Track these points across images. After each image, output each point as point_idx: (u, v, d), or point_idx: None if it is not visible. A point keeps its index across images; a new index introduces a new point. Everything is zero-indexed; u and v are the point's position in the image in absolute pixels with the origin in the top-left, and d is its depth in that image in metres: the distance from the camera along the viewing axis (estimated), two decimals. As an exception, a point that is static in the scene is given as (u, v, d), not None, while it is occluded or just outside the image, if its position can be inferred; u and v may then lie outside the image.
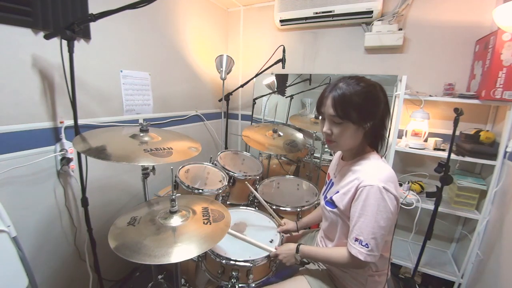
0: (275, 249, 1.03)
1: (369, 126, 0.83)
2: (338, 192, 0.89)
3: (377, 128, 0.86)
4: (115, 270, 1.63)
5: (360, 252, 0.77)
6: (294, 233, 1.26)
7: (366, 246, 0.77)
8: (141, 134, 1.04)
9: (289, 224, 1.24)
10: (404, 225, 1.95)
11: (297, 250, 0.97)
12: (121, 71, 1.54)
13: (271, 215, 1.31)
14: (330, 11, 1.89)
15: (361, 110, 0.80)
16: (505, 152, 1.39)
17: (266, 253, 1.02)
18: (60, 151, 1.25)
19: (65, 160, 1.25)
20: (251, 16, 2.43)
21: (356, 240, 0.78)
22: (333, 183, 0.98)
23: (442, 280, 1.68)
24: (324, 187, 1.05)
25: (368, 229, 0.76)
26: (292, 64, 2.22)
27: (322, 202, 1.00)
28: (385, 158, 1.76)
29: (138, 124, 1.17)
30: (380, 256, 0.80)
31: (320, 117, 0.90)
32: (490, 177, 1.48)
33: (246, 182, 1.45)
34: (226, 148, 2.39)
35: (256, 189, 1.58)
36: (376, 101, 0.82)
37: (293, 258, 0.98)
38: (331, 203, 0.91)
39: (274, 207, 1.43)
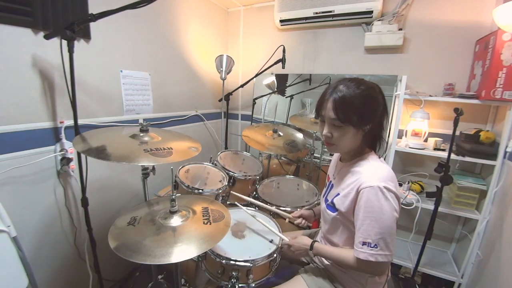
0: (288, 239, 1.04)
1: (368, 128, 0.83)
2: (338, 194, 0.89)
3: (376, 129, 0.86)
4: (115, 270, 1.63)
5: (370, 255, 0.77)
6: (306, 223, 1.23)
7: (375, 247, 0.76)
8: (141, 134, 1.04)
9: (304, 211, 1.23)
10: (404, 225, 1.95)
11: (311, 247, 0.96)
12: (121, 71, 1.54)
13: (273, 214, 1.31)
14: (330, 11, 1.89)
15: (362, 114, 0.80)
16: (505, 152, 1.39)
17: (267, 253, 1.02)
18: (60, 151, 1.25)
19: (65, 160, 1.25)
20: (251, 16, 2.43)
21: (364, 243, 0.77)
22: (333, 185, 0.98)
23: (442, 280, 1.68)
24: (324, 189, 1.06)
25: (375, 230, 0.76)
26: (292, 64, 2.22)
27: (323, 205, 0.99)
28: (384, 158, 1.77)
29: (138, 124, 1.17)
30: None
31: (320, 120, 0.90)
32: (490, 177, 1.48)
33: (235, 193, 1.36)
34: (226, 148, 2.39)
35: (256, 189, 1.59)
36: (376, 104, 0.83)
37: (305, 253, 0.99)
38: (332, 207, 0.91)
39: (274, 207, 1.43)
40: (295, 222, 1.21)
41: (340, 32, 2.05)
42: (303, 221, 1.20)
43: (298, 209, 1.27)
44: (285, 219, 1.25)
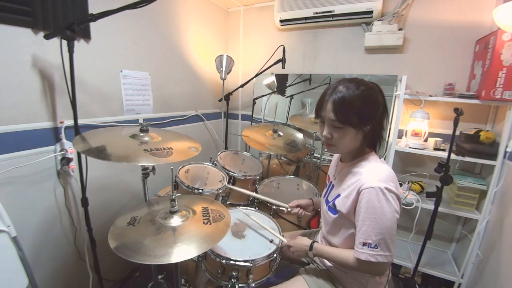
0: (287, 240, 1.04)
1: (368, 129, 0.83)
2: (339, 195, 0.89)
3: (376, 129, 0.86)
4: (115, 270, 1.63)
5: (370, 255, 0.77)
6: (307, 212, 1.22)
7: (376, 247, 0.76)
8: (141, 134, 1.04)
9: (302, 201, 1.22)
10: (404, 225, 1.95)
11: (311, 247, 0.96)
12: (121, 71, 1.54)
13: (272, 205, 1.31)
14: (330, 11, 1.89)
15: (361, 115, 0.80)
16: (505, 152, 1.39)
17: (266, 253, 1.02)
18: (60, 151, 1.25)
19: (65, 160, 1.25)
20: (251, 16, 2.43)
21: (364, 244, 0.77)
22: (333, 185, 0.98)
23: (442, 280, 1.68)
24: (325, 190, 1.05)
25: (376, 230, 0.76)
26: (292, 64, 2.22)
27: (325, 207, 0.99)
28: (384, 158, 1.77)
29: (138, 124, 1.18)
30: None
31: (319, 121, 0.89)
32: (490, 177, 1.48)
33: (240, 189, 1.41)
34: (226, 148, 2.39)
35: (256, 189, 1.59)
36: (376, 104, 0.83)
37: (305, 254, 0.98)
38: (333, 208, 0.91)
39: (274, 207, 1.43)
40: (292, 211, 1.20)
41: (340, 32, 2.05)
42: (300, 210, 1.20)
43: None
44: (283, 212, 1.25)
